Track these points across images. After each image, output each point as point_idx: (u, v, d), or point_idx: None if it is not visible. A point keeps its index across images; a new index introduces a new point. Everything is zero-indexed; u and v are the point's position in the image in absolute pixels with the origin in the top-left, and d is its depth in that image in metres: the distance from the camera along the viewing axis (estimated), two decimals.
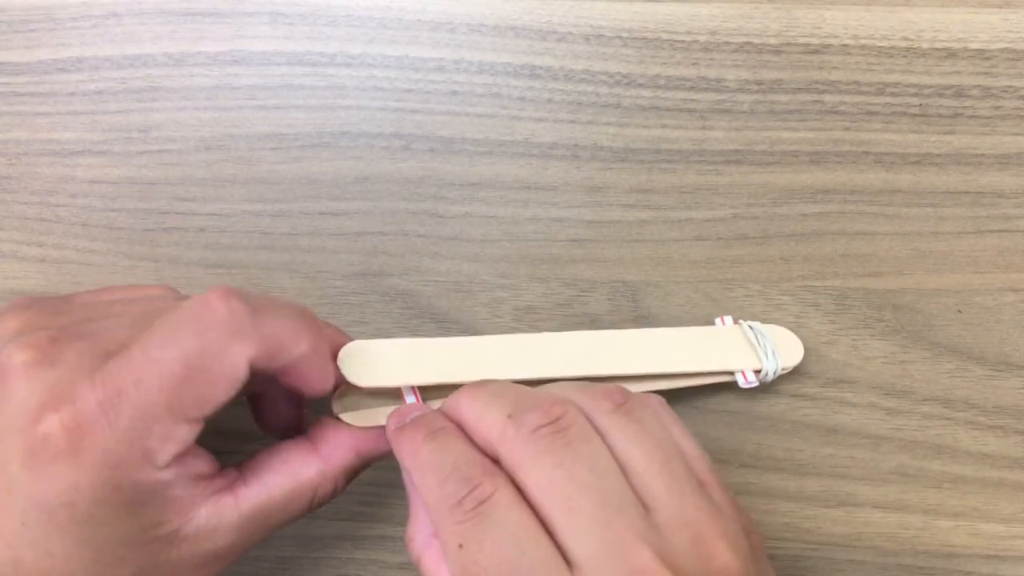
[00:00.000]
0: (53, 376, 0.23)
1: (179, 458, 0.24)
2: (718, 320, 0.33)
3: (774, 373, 0.32)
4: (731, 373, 0.32)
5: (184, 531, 0.25)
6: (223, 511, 0.25)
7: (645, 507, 0.23)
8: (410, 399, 0.29)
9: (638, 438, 0.24)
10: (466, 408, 0.26)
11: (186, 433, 0.24)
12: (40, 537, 0.22)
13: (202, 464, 0.25)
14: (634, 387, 0.29)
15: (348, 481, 0.29)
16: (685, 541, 0.23)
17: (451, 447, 0.25)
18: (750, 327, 0.32)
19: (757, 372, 0.32)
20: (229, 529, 0.25)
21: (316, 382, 0.27)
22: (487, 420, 0.25)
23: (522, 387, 0.26)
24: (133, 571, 0.24)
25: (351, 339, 0.30)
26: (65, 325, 0.25)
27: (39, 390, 0.23)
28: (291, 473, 0.27)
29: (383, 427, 0.28)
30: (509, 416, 0.24)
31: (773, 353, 0.32)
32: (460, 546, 0.23)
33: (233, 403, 0.25)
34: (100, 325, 0.25)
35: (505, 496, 0.23)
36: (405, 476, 0.27)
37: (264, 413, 0.31)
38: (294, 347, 0.25)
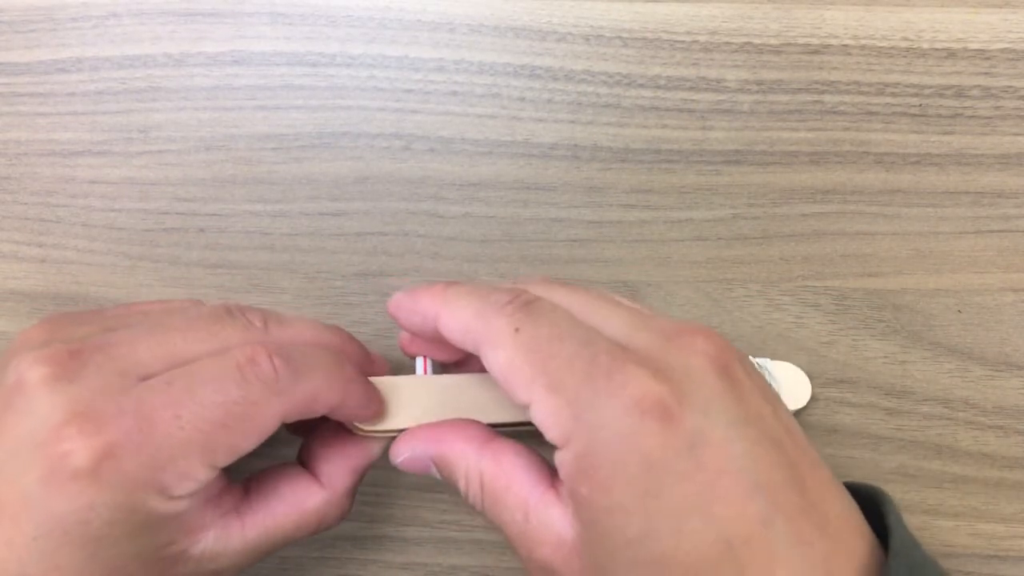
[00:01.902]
0: (74, 392, 0.23)
1: (198, 490, 0.24)
2: None
3: None
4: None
5: (191, 552, 0.25)
6: (230, 537, 0.26)
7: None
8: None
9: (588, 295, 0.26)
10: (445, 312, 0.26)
11: (206, 475, 0.24)
12: (51, 551, 0.22)
13: (212, 486, 0.25)
14: None
15: (353, 500, 0.29)
16: (665, 340, 0.24)
17: (477, 285, 0.26)
18: (760, 365, 0.32)
19: None
20: (233, 553, 0.26)
21: (355, 418, 0.28)
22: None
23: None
24: None
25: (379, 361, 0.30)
26: (85, 336, 0.25)
27: (60, 406, 0.23)
28: (297, 502, 0.27)
29: (373, 436, 0.28)
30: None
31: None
32: (516, 329, 0.24)
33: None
34: (118, 336, 0.25)
35: (548, 301, 0.25)
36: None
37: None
38: (326, 401, 0.26)
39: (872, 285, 0.34)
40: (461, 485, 0.26)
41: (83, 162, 0.36)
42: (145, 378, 0.24)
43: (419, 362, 0.29)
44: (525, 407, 0.24)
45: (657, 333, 0.24)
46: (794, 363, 0.33)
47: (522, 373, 0.23)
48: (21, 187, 0.36)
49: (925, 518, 0.32)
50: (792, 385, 0.32)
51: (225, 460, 0.24)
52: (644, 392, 0.22)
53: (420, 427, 0.27)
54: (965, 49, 0.35)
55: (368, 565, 0.33)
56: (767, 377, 0.32)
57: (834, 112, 0.35)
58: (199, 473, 0.24)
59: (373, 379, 0.28)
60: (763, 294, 0.34)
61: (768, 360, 0.32)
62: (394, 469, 0.35)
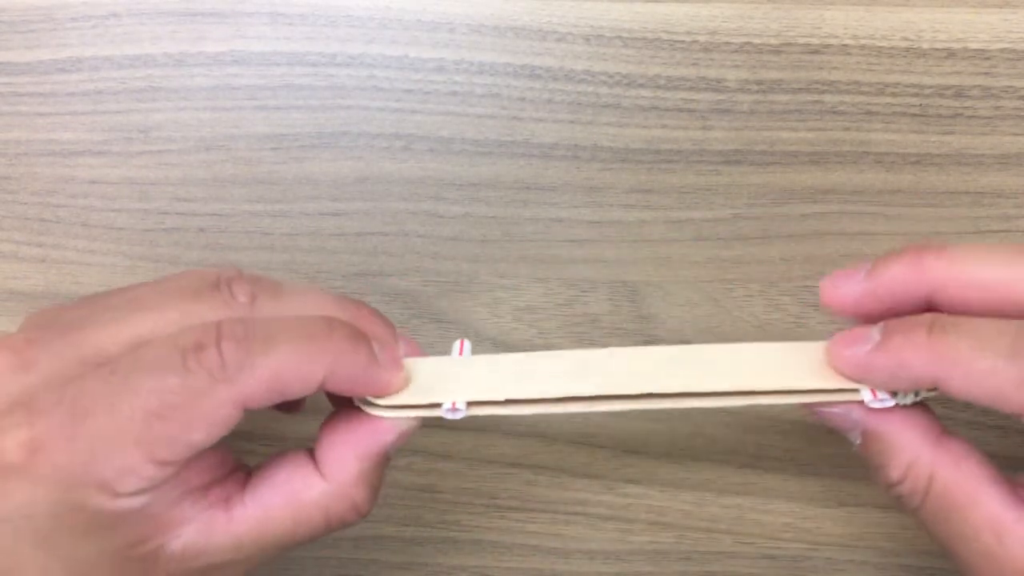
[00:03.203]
0: (25, 382, 0.22)
1: (150, 487, 0.22)
2: None
3: (915, 393, 0.25)
4: (855, 390, 0.25)
5: (170, 548, 0.23)
6: (214, 531, 0.23)
7: None
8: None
9: None
10: (975, 272, 0.22)
11: (154, 471, 0.22)
12: (8, 547, 0.22)
13: (194, 476, 0.23)
14: (701, 402, 0.25)
15: (372, 491, 0.25)
16: None
17: (973, 321, 0.22)
18: None
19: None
20: (220, 549, 0.23)
21: (361, 391, 0.25)
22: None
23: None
24: None
25: (391, 328, 0.27)
26: (54, 324, 0.24)
27: (4, 398, 0.22)
28: (292, 494, 0.24)
29: (389, 414, 0.25)
30: None
31: None
32: None
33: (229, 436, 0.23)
34: (94, 319, 0.24)
35: None
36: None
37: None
38: (305, 376, 0.23)
39: None
40: (895, 474, 0.23)
41: (83, 162, 0.36)
42: (104, 364, 0.23)
43: (456, 345, 0.28)
44: None
45: None
46: None
47: None
48: (21, 187, 0.36)
49: None
50: None
51: (170, 454, 0.22)
52: None
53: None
54: (965, 49, 0.35)
55: (368, 565, 0.33)
56: None
57: (834, 112, 0.35)
58: (142, 469, 0.22)
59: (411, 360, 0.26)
60: (763, 294, 0.34)
61: None
62: (394, 468, 0.35)
